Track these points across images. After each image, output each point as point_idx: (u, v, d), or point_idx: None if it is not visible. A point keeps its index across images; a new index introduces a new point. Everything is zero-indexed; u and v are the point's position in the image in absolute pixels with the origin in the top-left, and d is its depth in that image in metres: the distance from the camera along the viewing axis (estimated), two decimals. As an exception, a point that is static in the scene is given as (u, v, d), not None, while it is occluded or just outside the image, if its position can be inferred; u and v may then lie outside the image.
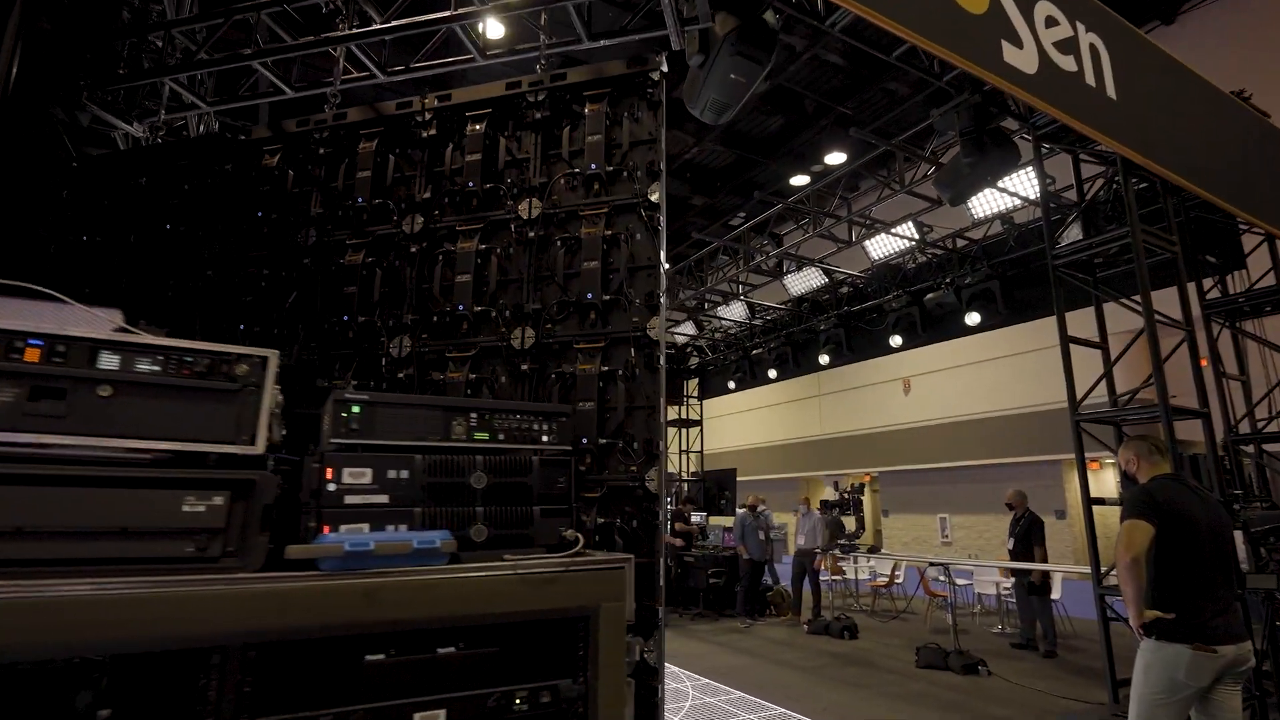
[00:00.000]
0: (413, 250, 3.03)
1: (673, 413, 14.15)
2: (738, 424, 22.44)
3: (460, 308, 2.88)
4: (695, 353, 13.97)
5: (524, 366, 2.75)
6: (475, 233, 2.95)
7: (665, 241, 2.76)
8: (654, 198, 2.76)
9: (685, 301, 10.11)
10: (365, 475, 1.34)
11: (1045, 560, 7.94)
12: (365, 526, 1.30)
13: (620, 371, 2.64)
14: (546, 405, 1.65)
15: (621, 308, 2.72)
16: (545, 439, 1.58)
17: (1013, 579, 9.36)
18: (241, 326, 3.17)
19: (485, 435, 1.51)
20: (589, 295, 2.72)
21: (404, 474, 1.37)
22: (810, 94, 9.50)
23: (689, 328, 12.18)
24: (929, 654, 7.27)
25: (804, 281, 9.63)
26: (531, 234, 2.89)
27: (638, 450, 2.55)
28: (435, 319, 2.93)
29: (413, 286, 3.00)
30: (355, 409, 1.38)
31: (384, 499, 1.34)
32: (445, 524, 1.39)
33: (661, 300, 2.67)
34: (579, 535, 1.49)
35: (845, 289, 10.36)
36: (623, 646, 1.40)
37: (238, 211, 3.37)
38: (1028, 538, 8.11)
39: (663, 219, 2.75)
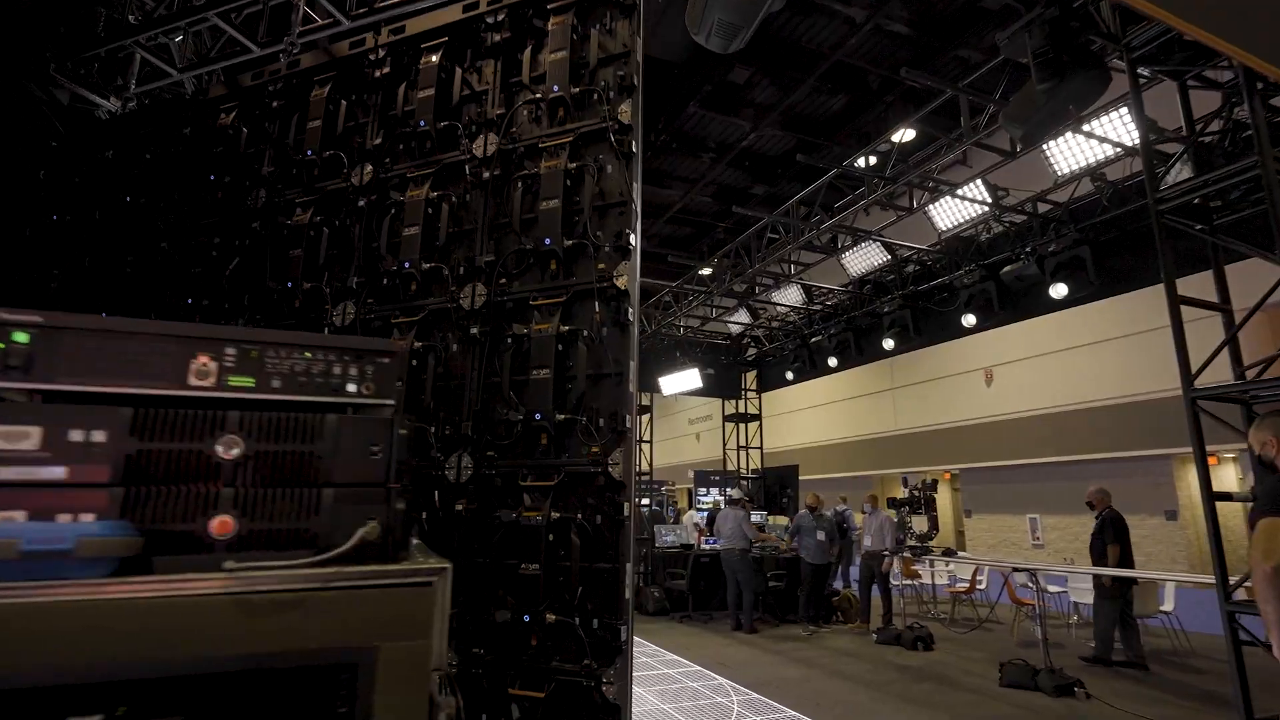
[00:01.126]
0: (361, 204, 2.64)
1: (730, 407, 13.50)
2: (804, 421, 21.49)
3: (407, 265, 2.46)
4: (752, 343, 13.27)
5: (474, 330, 2.30)
6: (426, 179, 2.53)
7: (640, 173, 2.25)
8: (625, 118, 2.25)
9: (734, 286, 9.49)
10: (30, 438, 0.91)
11: (1116, 561, 6.96)
12: (19, 515, 0.87)
13: (585, 332, 2.15)
14: (357, 340, 1.19)
15: (587, 255, 2.23)
16: (353, 389, 1.11)
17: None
18: (189, 300, 2.87)
19: (247, 381, 1.06)
20: (547, 241, 2.24)
21: (97, 436, 0.94)
22: (874, 69, 8.71)
23: (743, 316, 11.53)
24: (1015, 671, 6.40)
25: (864, 260, 8.82)
26: (487, 174, 2.44)
27: (603, 428, 2.05)
28: (384, 281, 2.52)
29: (360, 245, 2.61)
30: (19, 336, 0.94)
31: (59, 473, 0.90)
32: (169, 512, 0.96)
33: (633, 242, 2.16)
34: (378, 526, 1.01)
35: (911, 267, 9.47)
36: (421, 709, 0.91)
37: (193, 177, 3.08)
38: (1100, 536, 7.15)
39: (637, 144, 2.24)
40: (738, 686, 6.28)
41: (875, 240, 8.25)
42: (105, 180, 3.30)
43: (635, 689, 6.19)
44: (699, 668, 6.97)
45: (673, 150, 13.24)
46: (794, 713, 5.49)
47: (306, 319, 2.62)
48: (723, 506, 10.16)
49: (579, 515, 1.98)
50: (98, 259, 3.18)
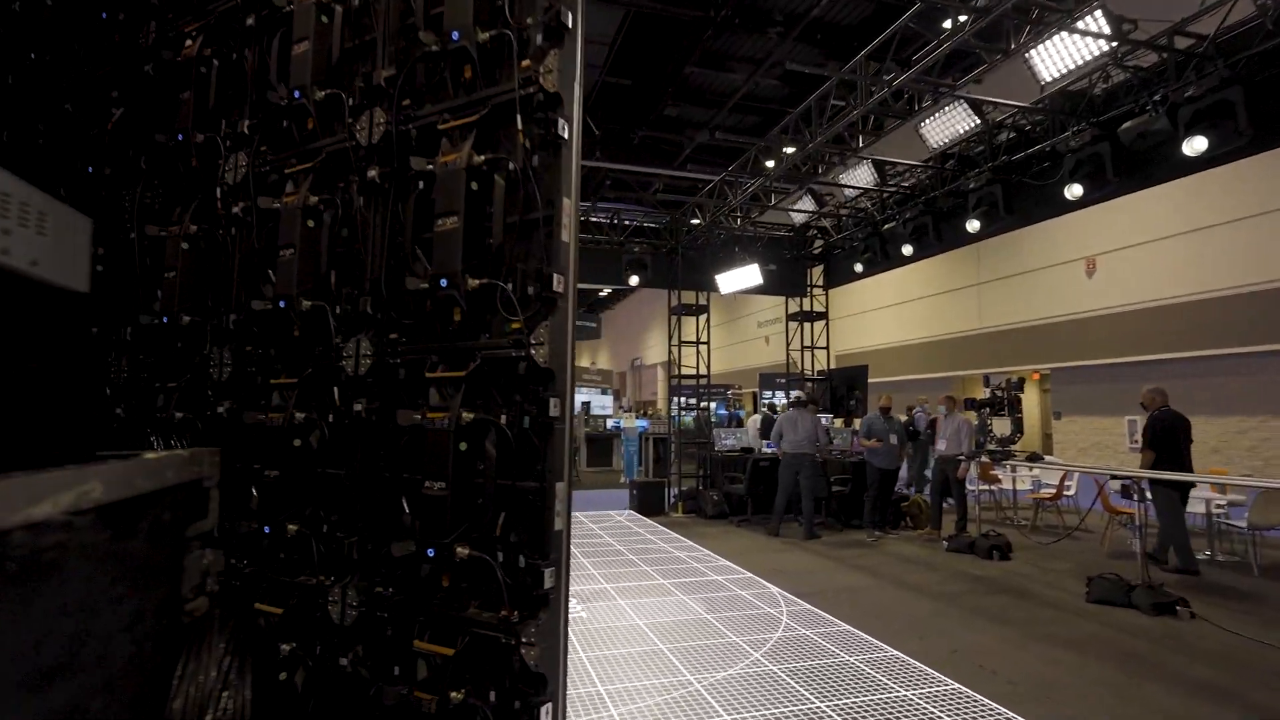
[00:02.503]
0: (249, 22, 2.03)
1: (794, 305, 12.59)
2: (876, 321, 20.25)
3: (297, 95, 1.86)
4: (818, 234, 12.14)
5: (372, 173, 1.71)
6: (318, -27, 1.88)
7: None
8: None
9: (794, 166, 8.40)
10: None
11: (1149, 466, 6.36)
12: None
13: (510, 164, 1.52)
14: None
15: (505, 54, 1.56)
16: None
17: (1227, 495, 7.44)
18: (90, 169, 2.40)
19: None
20: (455, 36, 1.58)
21: None
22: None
23: (807, 203, 10.42)
24: (1106, 586, 5.72)
25: (947, 127, 7.55)
26: (388, -45, 1.77)
27: (532, 296, 1.46)
28: (282, 123, 1.95)
29: (252, 78, 2.02)
30: None
31: None
32: None
33: (572, 21, 1.47)
34: None
35: (1005, 134, 8.08)
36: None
37: (90, 21, 2.54)
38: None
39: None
40: (789, 596, 5.90)
41: (960, 99, 6.97)
42: (10, 36, 2.82)
43: (681, 597, 5.94)
44: (751, 575, 6.64)
45: (735, 26, 11.78)
46: (848, 626, 5.07)
47: (200, 178, 2.10)
48: (778, 411, 9.60)
49: (502, 416, 1.43)
50: (12, 130, 2.75)
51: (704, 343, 11.58)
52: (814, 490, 8.73)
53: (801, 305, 12.48)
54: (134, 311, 2.08)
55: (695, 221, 11.07)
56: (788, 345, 12.76)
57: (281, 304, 1.75)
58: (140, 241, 2.11)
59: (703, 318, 11.66)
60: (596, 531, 9.01)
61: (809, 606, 5.58)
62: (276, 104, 1.89)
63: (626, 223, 11.49)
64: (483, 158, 1.51)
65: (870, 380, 11.71)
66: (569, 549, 1.36)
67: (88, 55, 2.53)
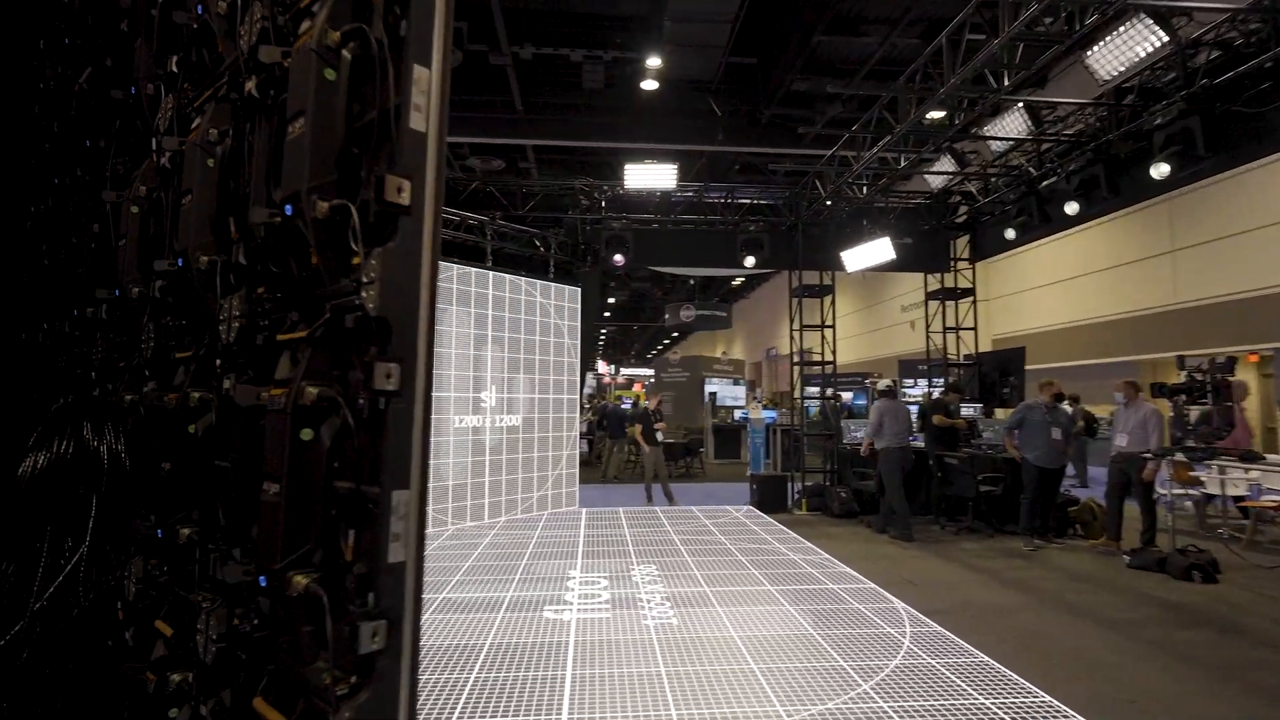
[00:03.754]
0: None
1: (933, 282, 11.21)
2: (1037, 300, 17.81)
3: (201, 10, 1.54)
4: (963, 199, 10.68)
5: (249, 85, 1.34)
6: None
7: None
8: None
9: (925, 117, 7.27)
10: None
11: None
12: None
13: (370, 38, 1.08)
14: None
15: None
16: None
17: None
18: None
19: None
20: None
21: None
22: None
23: (946, 164, 9.14)
24: (1360, 629, 4.33)
25: (1123, 51, 6.14)
26: None
27: (372, 215, 1.00)
28: (197, 51, 1.65)
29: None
30: None
31: None
32: None
33: None
34: None
35: (1206, 53, 6.45)
36: None
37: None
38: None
39: None
40: (916, 614, 5.05)
41: (1140, 12, 5.60)
42: None
43: (787, 607, 5.30)
44: (874, 586, 5.83)
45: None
46: (988, 658, 4.19)
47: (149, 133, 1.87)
48: (877, 400, 8.55)
49: (360, 397, 1.00)
50: None
51: (829, 326, 10.63)
52: (897, 487, 7.95)
53: (943, 281, 11.09)
54: (93, 287, 1.91)
55: (826, 199, 10.13)
56: (927, 327, 11.41)
57: (180, 262, 1.46)
58: (105, 210, 1.93)
59: (827, 299, 10.70)
60: (708, 528, 8.50)
61: (940, 628, 4.72)
62: (188, 28, 1.60)
63: (741, 201, 10.80)
64: (339, 32, 1.09)
65: (1027, 367, 10.16)
66: (419, 592, 0.90)
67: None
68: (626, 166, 9.55)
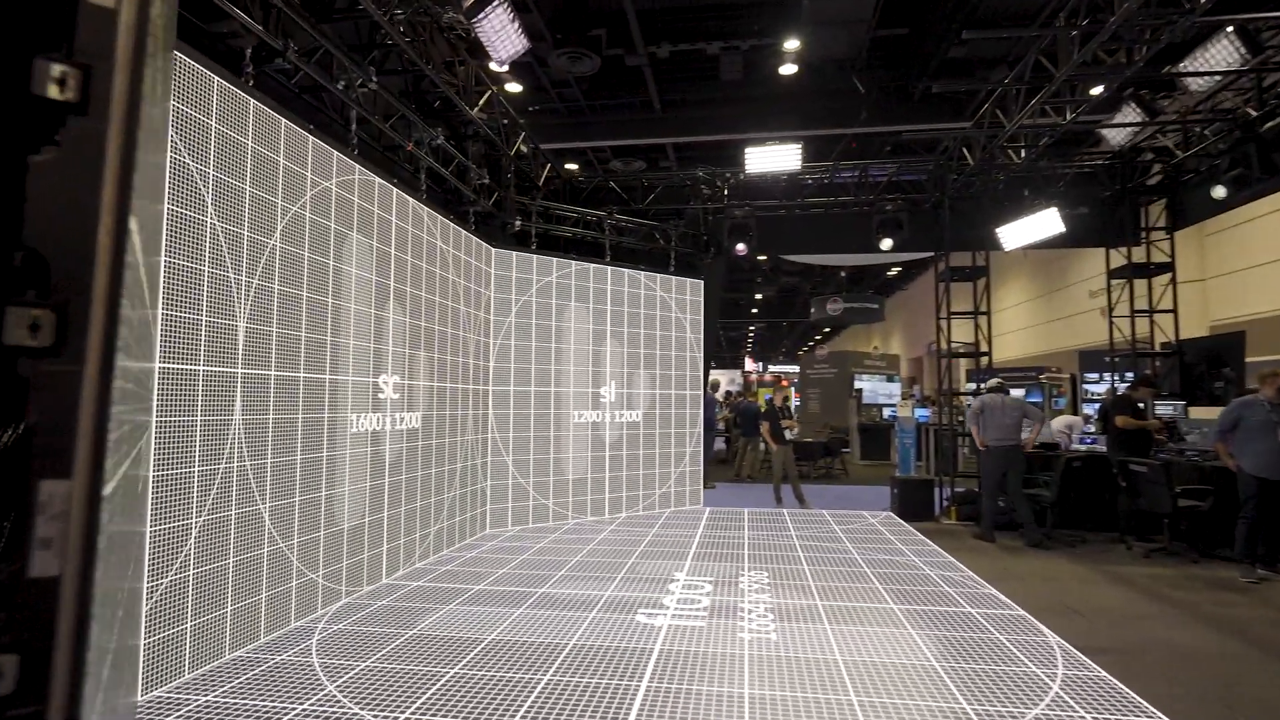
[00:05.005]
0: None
1: (1117, 258, 9.48)
2: (1268, 277, 14.64)
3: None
4: (1155, 156, 8.90)
5: None
6: None
7: None
8: None
9: (1094, 56, 6.03)
10: None
11: None
12: None
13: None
14: None
15: None
16: None
17: None
18: None
19: None
20: None
21: None
22: None
23: (1130, 114, 7.63)
24: None
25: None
26: None
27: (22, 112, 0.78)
28: None
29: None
30: None
31: None
32: None
33: None
34: None
35: None
36: None
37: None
38: None
39: None
40: (1074, 652, 4.18)
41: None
42: None
43: (909, 631, 4.61)
44: (1023, 613, 4.95)
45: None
46: (1164, 718, 3.32)
47: None
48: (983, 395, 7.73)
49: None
50: None
51: (983, 313, 9.40)
52: (992, 491, 7.57)
53: (1130, 256, 9.38)
54: None
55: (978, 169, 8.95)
56: (1110, 311, 9.72)
57: None
58: None
59: (981, 283, 9.47)
60: (836, 534, 7.81)
61: (1103, 673, 3.85)
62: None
63: (877, 179, 9.87)
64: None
65: (1248, 359, 8.28)
66: (84, 618, 0.67)
67: None
68: (747, 151, 9.06)
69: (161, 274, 3.57)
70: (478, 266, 7.69)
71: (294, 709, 3.34)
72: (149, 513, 3.48)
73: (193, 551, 3.77)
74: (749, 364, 44.44)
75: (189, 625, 3.74)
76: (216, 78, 3.96)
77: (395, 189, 5.94)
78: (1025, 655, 4.12)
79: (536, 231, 8.92)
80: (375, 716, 3.27)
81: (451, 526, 7.04)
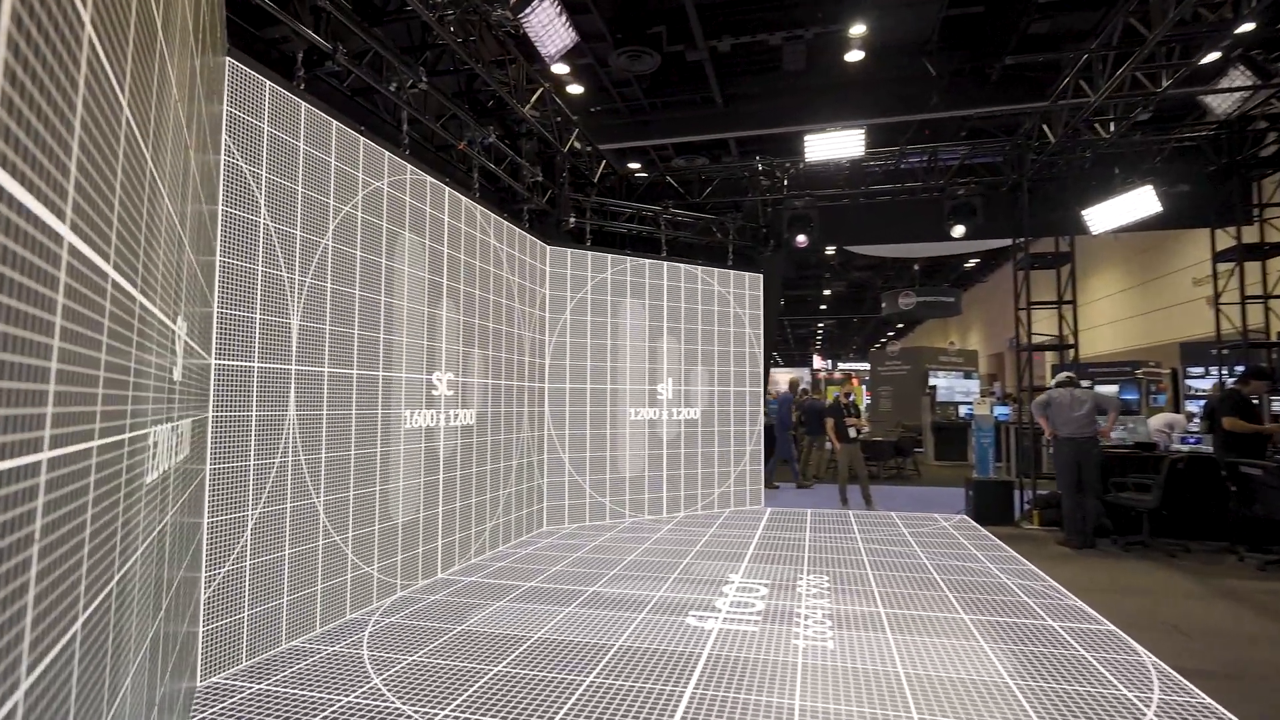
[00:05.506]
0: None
1: (1224, 239, 8.60)
2: None
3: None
4: (1271, 125, 8.00)
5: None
6: None
7: None
8: None
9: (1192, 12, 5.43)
10: None
11: None
12: None
13: None
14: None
15: None
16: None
17: None
18: None
19: None
20: None
21: None
22: None
23: (1237, 78, 6.88)
24: None
25: None
26: None
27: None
28: None
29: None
30: None
31: None
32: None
33: None
34: None
35: None
36: None
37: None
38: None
39: None
40: (1171, 674, 3.75)
41: None
42: None
43: (980, 644, 4.27)
44: (1114, 628, 4.51)
45: None
46: (1283, 754, 2.90)
47: None
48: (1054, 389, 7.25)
49: None
50: None
51: (1068, 303, 8.73)
52: (1094, 485, 6.98)
53: (1240, 237, 8.51)
54: None
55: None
56: (1216, 299, 8.84)
57: None
58: None
59: (1064, 269, 8.80)
60: (904, 538, 7.41)
61: (1206, 699, 3.43)
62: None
63: (946, 163, 9.33)
64: None
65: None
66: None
67: None
68: (806, 138, 8.74)
69: (217, 272, 3.68)
70: (532, 264, 7.71)
71: (339, 701, 3.37)
72: (206, 505, 3.59)
73: (249, 543, 3.88)
74: (817, 361, 43.36)
75: (245, 615, 3.85)
76: (269, 82, 4.06)
77: (447, 188, 6.00)
78: (1114, 675, 3.73)
79: (591, 228, 8.88)
80: (416, 712, 3.26)
81: (507, 523, 7.08)
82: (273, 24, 4.27)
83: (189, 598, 3.07)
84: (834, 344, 45.94)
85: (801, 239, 9.43)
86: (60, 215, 0.88)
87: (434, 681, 3.61)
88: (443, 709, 3.29)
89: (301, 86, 4.42)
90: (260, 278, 3.99)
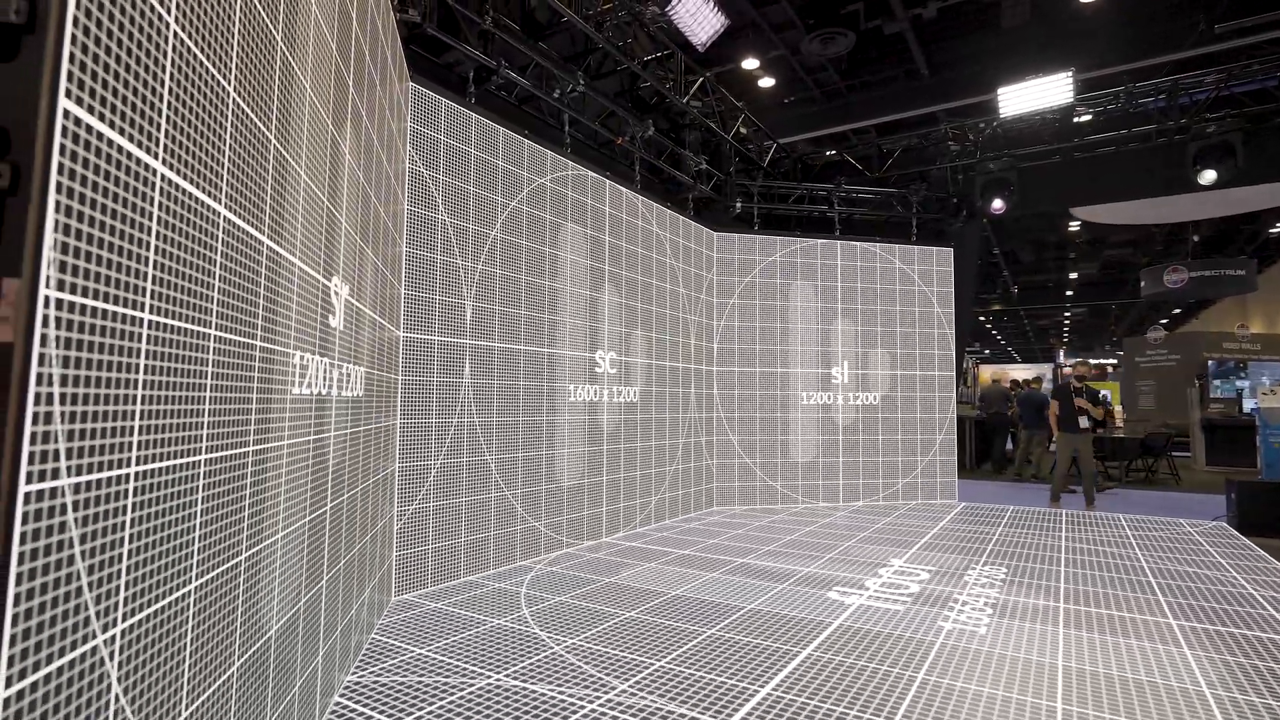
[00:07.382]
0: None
1: None
2: None
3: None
4: None
5: None
6: None
7: None
8: None
9: None
10: None
11: None
12: None
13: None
14: None
15: None
16: None
17: None
18: None
19: None
20: None
21: None
22: None
23: None
24: None
25: None
26: None
27: None
28: None
29: None
30: None
31: None
32: None
33: None
34: None
35: None
36: None
37: None
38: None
39: None
40: None
41: None
42: None
43: (1182, 650, 3.75)
44: (1395, 654, 3.50)
45: None
46: None
47: None
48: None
49: None
50: None
51: None
52: None
53: None
54: None
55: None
56: None
57: None
58: None
59: None
60: (1125, 539, 6.34)
61: None
62: None
63: (1189, 99, 7.74)
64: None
65: None
66: None
67: None
68: (1000, 91, 7.86)
69: (403, 262, 4.45)
70: (697, 250, 7.94)
71: (490, 622, 3.90)
72: (396, 451, 4.36)
73: (432, 487, 4.61)
74: (1060, 356, 37.79)
75: (429, 547, 4.59)
76: (443, 100, 4.80)
77: (608, 181, 6.47)
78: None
79: (760, 211, 8.87)
80: (547, 636, 3.66)
81: (674, 499, 7.38)
82: (448, 50, 5.04)
83: (378, 514, 3.79)
84: (1085, 336, 39.70)
85: (998, 204, 8.48)
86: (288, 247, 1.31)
87: (570, 617, 4.00)
88: (572, 638, 3.66)
89: (472, 100, 5.14)
90: (439, 265, 4.73)
